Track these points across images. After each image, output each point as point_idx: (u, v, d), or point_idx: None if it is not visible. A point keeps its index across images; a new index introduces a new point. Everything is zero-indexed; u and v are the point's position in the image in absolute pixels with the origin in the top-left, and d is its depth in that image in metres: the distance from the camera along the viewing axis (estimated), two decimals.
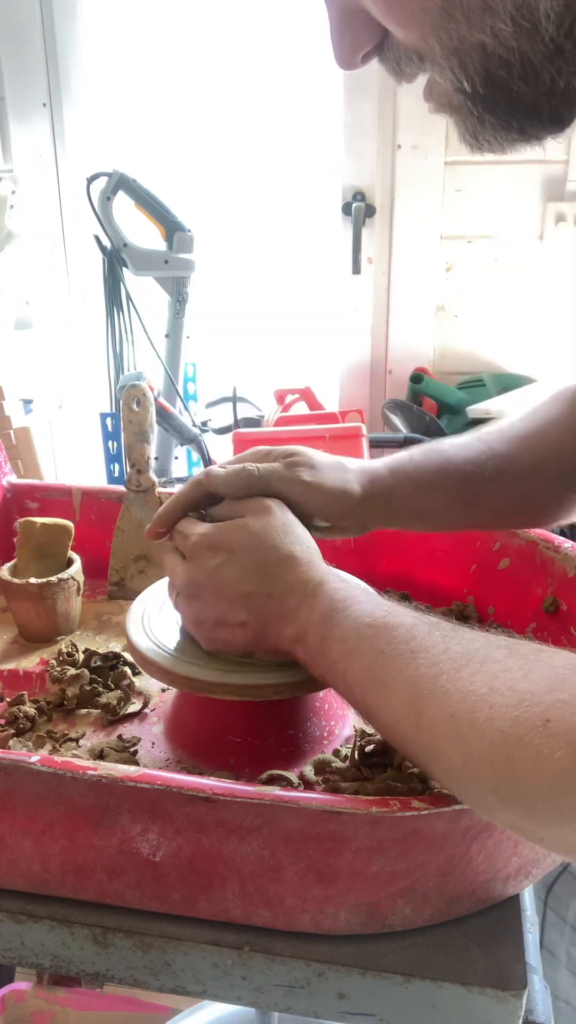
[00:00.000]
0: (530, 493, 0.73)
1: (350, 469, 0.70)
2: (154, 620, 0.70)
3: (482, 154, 0.49)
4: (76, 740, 0.70)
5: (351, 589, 0.59)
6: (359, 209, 1.72)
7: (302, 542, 0.63)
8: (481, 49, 0.42)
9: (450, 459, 0.73)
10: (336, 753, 0.66)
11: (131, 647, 0.67)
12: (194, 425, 1.70)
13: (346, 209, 1.79)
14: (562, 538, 0.81)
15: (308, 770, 0.63)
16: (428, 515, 0.74)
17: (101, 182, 1.67)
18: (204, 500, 0.68)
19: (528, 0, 0.40)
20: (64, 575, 0.86)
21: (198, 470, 1.89)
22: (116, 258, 1.72)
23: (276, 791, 0.49)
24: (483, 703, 0.44)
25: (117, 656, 0.81)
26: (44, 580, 0.85)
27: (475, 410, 1.66)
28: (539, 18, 0.40)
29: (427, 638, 0.50)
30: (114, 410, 1.79)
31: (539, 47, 0.41)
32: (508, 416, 0.79)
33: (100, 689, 0.76)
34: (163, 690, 0.77)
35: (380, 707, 0.52)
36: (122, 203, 1.70)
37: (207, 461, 1.63)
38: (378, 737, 0.61)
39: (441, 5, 0.42)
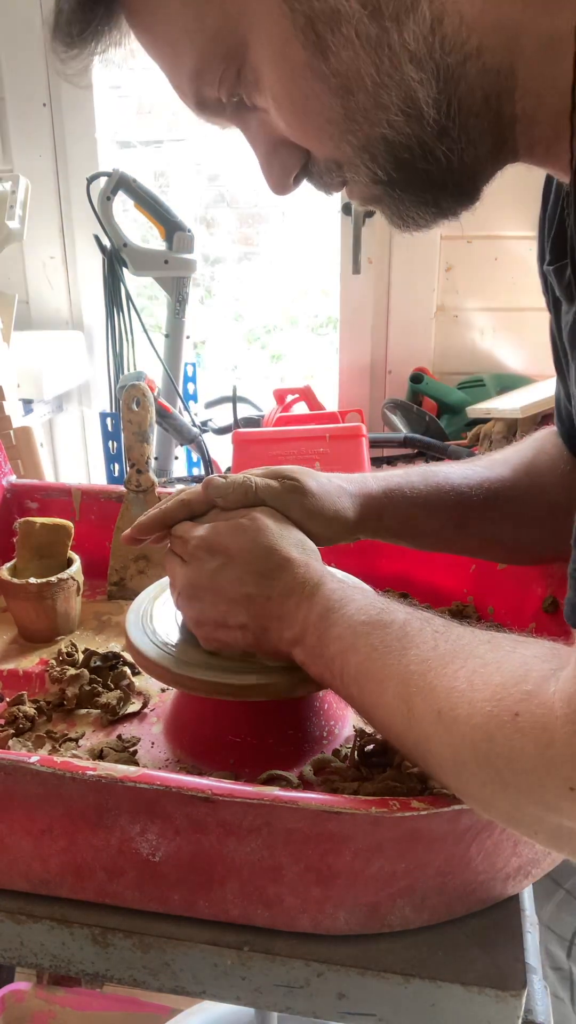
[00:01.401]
0: (521, 520, 0.74)
1: (347, 493, 0.70)
2: (154, 620, 0.70)
3: (411, 234, 0.55)
4: (76, 740, 0.70)
5: (348, 588, 0.59)
6: (359, 209, 1.72)
7: (299, 544, 0.64)
8: (384, 140, 0.49)
9: (447, 478, 0.74)
10: (336, 753, 0.66)
11: (131, 647, 0.68)
12: (194, 425, 1.70)
13: (346, 209, 1.79)
14: None
15: (308, 770, 0.63)
16: (419, 536, 0.75)
17: (101, 182, 1.68)
18: (186, 518, 0.68)
19: (409, 93, 0.47)
20: (64, 575, 0.86)
21: (198, 470, 1.89)
22: (116, 258, 1.72)
23: (275, 791, 0.49)
24: (463, 699, 0.45)
25: (117, 656, 0.81)
26: (44, 580, 0.85)
27: (475, 410, 1.66)
28: (421, 105, 0.47)
29: (419, 635, 0.51)
30: (114, 410, 1.79)
31: (427, 129, 0.48)
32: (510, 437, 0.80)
33: (100, 689, 0.76)
34: (163, 690, 0.77)
35: (375, 704, 0.53)
36: (122, 203, 1.70)
37: (207, 461, 1.63)
38: (378, 737, 0.62)
39: (342, 114, 0.49)
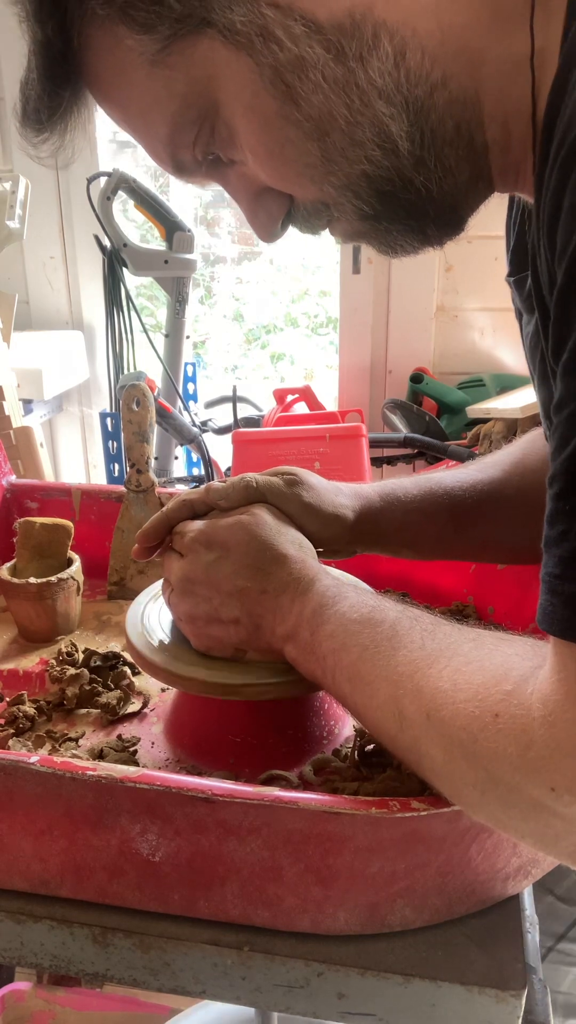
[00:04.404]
0: (517, 519, 0.74)
1: (344, 494, 0.71)
2: (154, 620, 0.70)
3: (400, 260, 0.56)
4: (76, 740, 0.70)
5: (341, 586, 0.59)
6: None
7: (295, 541, 0.64)
8: (364, 176, 0.50)
9: (439, 483, 0.74)
10: (336, 753, 0.66)
11: (130, 647, 0.68)
12: (194, 425, 1.70)
13: None
14: None
15: (308, 770, 0.63)
16: (418, 542, 0.75)
17: (101, 182, 1.67)
18: (188, 518, 0.68)
19: (382, 128, 0.48)
20: (64, 575, 0.86)
21: (198, 470, 1.89)
22: (116, 258, 1.72)
23: (275, 792, 0.49)
24: (448, 700, 0.46)
25: (117, 656, 0.81)
26: (44, 580, 0.85)
27: (475, 410, 1.66)
28: (395, 139, 0.48)
29: (407, 635, 0.51)
30: (114, 410, 1.79)
31: (404, 161, 0.49)
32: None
33: (100, 689, 0.76)
34: (163, 690, 0.77)
35: (367, 705, 0.53)
36: (122, 203, 1.69)
37: (207, 461, 1.63)
38: None
39: (320, 156, 0.50)
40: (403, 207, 0.51)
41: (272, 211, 0.56)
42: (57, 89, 0.52)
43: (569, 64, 0.43)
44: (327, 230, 0.56)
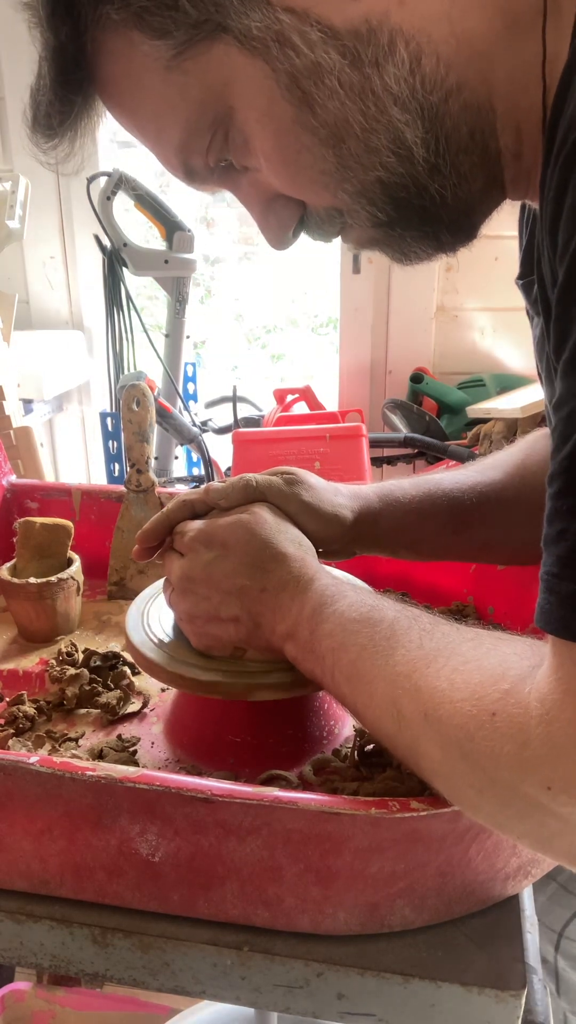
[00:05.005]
0: (517, 522, 0.74)
1: (343, 494, 0.71)
2: (154, 620, 0.70)
3: (413, 267, 0.56)
4: (76, 740, 0.70)
5: (341, 585, 0.59)
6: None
7: (295, 540, 0.64)
8: (379, 183, 0.50)
9: (437, 484, 0.74)
10: (336, 753, 0.66)
11: (130, 647, 0.68)
12: (194, 425, 1.70)
13: None
14: None
15: (307, 770, 0.63)
16: (417, 543, 0.75)
17: (101, 182, 1.67)
18: (190, 518, 0.68)
19: (397, 134, 0.48)
20: (64, 575, 0.86)
21: (198, 470, 1.89)
22: (116, 258, 1.72)
23: (275, 792, 0.49)
24: (445, 699, 0.46)
25: (117, 656, 0.81)
26: (44, 580, 0.85)
27: (475, 410, 1.66)
28: (410, 145, 0.48)
29: (406, 634, 0.52)
30: (114, 410, 1.79)
31: (419, 168, 0.49)
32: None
33: (100, 689, 0.76)
34: (163, 690, 0.77)
35: (366, 704, 0.53)
36: (122, 203, 1.69)
37: (207, 461, 1.63)
38: None
39: (336, 163, 0.50)
40: (417, 214, 0.51)
41: (284, 218, 0.55)
42: (69, 95, 0.52)
43: (573, 65, 0.43)
44: (339, 237, 0.56)
